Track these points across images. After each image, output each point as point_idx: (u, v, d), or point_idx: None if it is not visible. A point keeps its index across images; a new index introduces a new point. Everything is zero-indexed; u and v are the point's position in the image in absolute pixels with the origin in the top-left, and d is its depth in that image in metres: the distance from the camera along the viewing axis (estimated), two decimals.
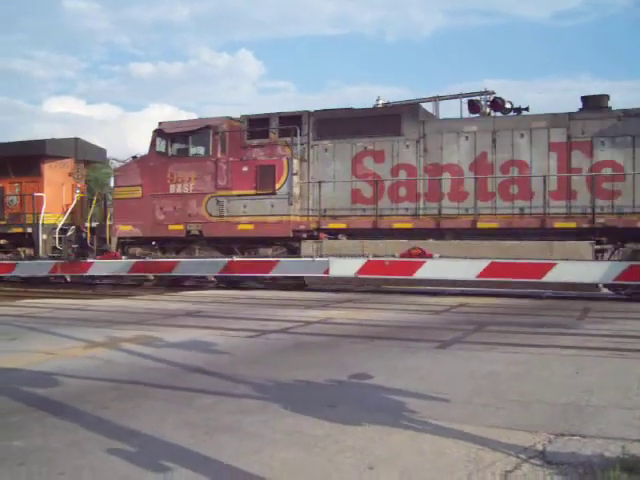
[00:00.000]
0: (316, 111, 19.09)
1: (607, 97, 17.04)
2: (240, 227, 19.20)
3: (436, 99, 20.69)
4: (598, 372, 6.97)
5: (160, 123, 20.34)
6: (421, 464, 4.11)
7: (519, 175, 17.08)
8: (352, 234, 18.42)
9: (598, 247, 16.09)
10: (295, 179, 18.78)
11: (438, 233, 17.64)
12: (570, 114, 16.95)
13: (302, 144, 18.91)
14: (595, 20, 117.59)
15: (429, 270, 16.70)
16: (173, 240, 20.45)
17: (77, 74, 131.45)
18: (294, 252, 18.84)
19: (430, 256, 16.93)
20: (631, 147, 16.16)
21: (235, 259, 18.57)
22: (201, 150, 19.99)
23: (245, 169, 19.10)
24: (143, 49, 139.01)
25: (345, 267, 17.49)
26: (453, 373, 6.98)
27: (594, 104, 16.84)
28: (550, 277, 15.65)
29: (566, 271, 15.56)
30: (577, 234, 16.40)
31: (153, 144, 20.42)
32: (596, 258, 15.92)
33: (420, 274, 16.79)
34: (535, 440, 4.53)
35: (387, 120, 18.36)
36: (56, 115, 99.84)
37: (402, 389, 6.02)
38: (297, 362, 7.60)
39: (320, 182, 18.57)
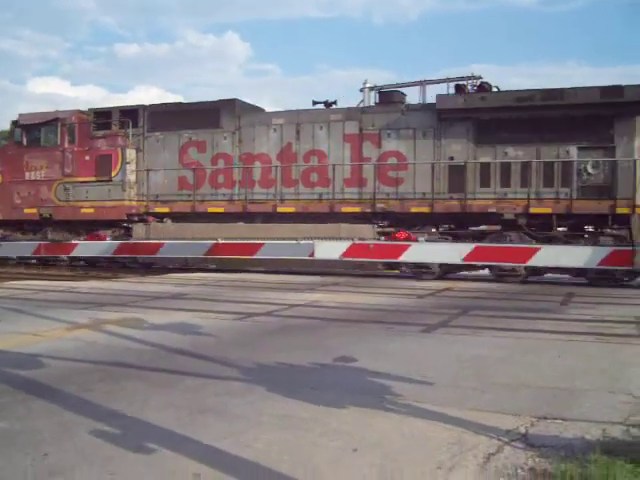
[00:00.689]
0: (150, 105, 20.99)
1: (400, 93, 19.07)
2: (83, 211, 21.00)
3: (422, 83, 20.63)
4: (581, 356, 7.03)
5: (20, 115, 21.86)
6: (405, 447, 4.13)
7: (318, 164, 18.72)
8: (176, 217, 20.38)
9: (380, 230, 17.79)
10: (129, 167, 20.55)
11: (248, 216, 19.39)
12: (362, 109, 18.91)
13: (138, 135, 20.70)
14: (583, 6, 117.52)
15: (414, 253, 16.76)
16: (29, 223, 22.12)
17: (61, 54, 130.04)
18: (130, 234, 20.64)
19: (415, 239, 16.98)
20: (412, 138, 17.82)
21: (220, 241, 18.54)
22: (51, 140, 21.49)
23: (87, 158, 20.88)
24: (129, 30, 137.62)
25: (330, 250, 17.52)
26: (438, 357, 7.01)
27: (387, 99, 18.72)
28: (535, 261, 15.74)
29: (551, 255, 15.65)
30: (363, 218, 18.07)
31: (12, 134, 22.50)
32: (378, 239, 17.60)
33: (405, 257, 16.85)
34: (518, 423, 4.57)
35: (208, 114, 19.97)
36: (41, 96, 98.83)
37: (387, 372, 6.04)
38: (282, 345, 7.62)
39: (149, 170, 20.52)
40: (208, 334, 8.25)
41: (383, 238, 17.61)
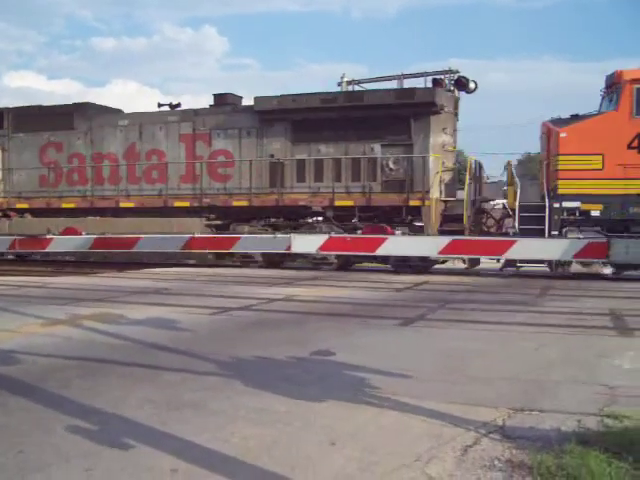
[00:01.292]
0: (15, 108, 22.54)
1: (233, 95, 20.51)
2: None
3: (401, 77, 20.69)
4: (558, 348, 7.09)
5: None
6: (383, 440, 4.15)
7: (158, 162, 20.40)
8: (35, 213, 21.75)
9: (207, 222, 19.48)
10: None
11: (97, 212, 20.98)
12: (195, 110, 20.43)
13: (3, 136, 22.22)
14: (556, 3, 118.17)
15: (391, 246, 16.80)
16: None
17: (37, 48, 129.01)
18: None
19: (392, 233, 17.03)
20: (238, 138, 19.54)
21: (196, 235, 18.49)
22: None
23: None
24: (105, 23, 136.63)
25: (307, 243, 17.52)
26: (415, 350, 7.04)
27: (220, 101, 20.26)
28: (511, 254, 15.84)
29: (527, 248, 15.75)
30: (194, 212, 19.75)
31: None
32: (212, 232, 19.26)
33: (382, 250, 16.88)
34: (495, 415, 4.60)
35: (64, 116, 21.43)
36: (16, 90, 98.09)
37: (365, 366, 6.06)
38: (260, 339, 7.61)
39: (12, 169, 22.13)
40: (186, 329, 8.22)
41: (213, 230, 19.38)
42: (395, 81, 20.60)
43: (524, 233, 16.12)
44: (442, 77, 19.20)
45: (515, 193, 16.71)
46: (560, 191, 16.18)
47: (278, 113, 18.76)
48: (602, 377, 5.76)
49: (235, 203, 19.29)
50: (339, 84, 20.96)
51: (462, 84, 18.77)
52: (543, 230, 15.99)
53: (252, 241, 18.19)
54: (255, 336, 7.86)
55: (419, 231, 17.52)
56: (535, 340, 7.54)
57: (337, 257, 18.07)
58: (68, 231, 20.60)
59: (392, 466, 3.71)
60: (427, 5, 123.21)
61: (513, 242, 15.81)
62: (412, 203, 17.57)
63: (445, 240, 16.36)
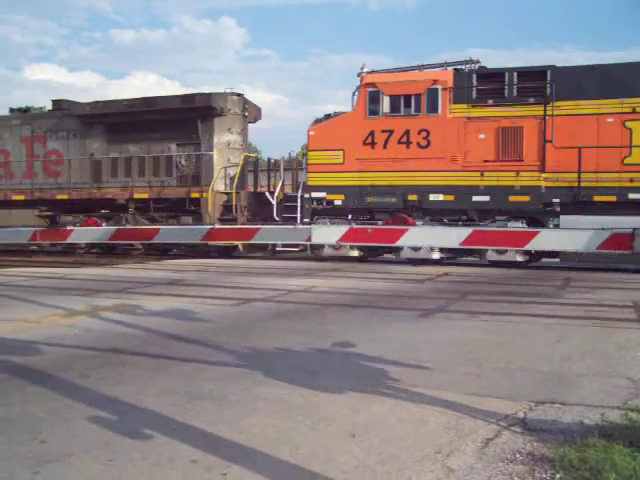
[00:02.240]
0: None
1: (68, 101, 23.02)
2: None
3: (421, 67, 20.54)
4: (579, 340, 7.02)
5: None
6: (403, 431, 4.12)
7: (5, 161, 23.39)
8: None
9: (39, 214, 22.56)
10: None
11: None
12: (34, 115, 24.11)
13: None
14: None
15: (412, 237, 16.75)
16: None
17: (57, 41, 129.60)
18: None
19: (413, 224, 16.97)
20: (67, 139, 22.48)
21: (216, 226, 18.54)
22: None
23: None
24: (124, 15, 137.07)
25: (327, 234, 17.52)
26: (435, 341, 7.00)
27: (57, 106, 23.04)
28: (532, 245, 15.73)
29: (550, 239, 15.65)
30: (30, 204, 22.70)
31: None
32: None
33: (403, 241, 16.83)
34: (516, 408, 4.56)
35: None
36: (37, 82, 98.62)
37: (384, 357, 6.04)
38: (279, 330, 7.60)
39: None
40: (205, 320, 8.23)
41: (46, 221, 22.28)
42: (416, 71, 20.44)
43: (284, 220, 18.88)
44: (463, 67, 19.05)
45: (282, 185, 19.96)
46: (309, 183, 18.54)
47: (96, 117, 21.70)
48: (625, 370, 5.70)
49: (59, 196, 22.25)
50: (359, 75, 20.81)
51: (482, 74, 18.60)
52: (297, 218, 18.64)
53: (273, 232, 18.21)
54: (274, 327, 7.86)
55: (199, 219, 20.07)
56: (556, 332, 7.48)
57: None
58: (88, 222, 20.79)
59: (412, 458, 3.68)
60: None
61: (536, 233, 15.71)
62: (193, 195, 20.20)
63: (467, 231, 16.29)
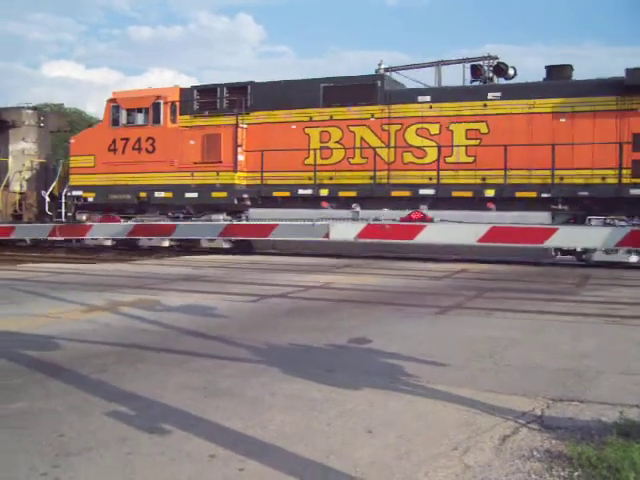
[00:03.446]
0: None
1: None
2: None
3: (439, 64, 20.49)
4: (596, 338, 6.99)
5: None
6: (420, 428, 4.12)
7: None
8: None
9: None
10: None
11: None
12: None
13: None
14: None
15: (430, 234, 16.64)
16: None
17: (75, 37, 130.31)
18: None
19: (430, 220, 16.91)
20: None
21: (234, 222, 18.58)
22: None
23: None
24: (141, 12, 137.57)
25: (345, 231, 17.46)
26: (452, 338, 6.99)
27: None
28: (551, 242, 15.63)
29: (568, 236, 15.55)
30: None
31: None
32: None
33: (421, 238, 16.73)
34: (533, 405, 4.55)
35: None
36: (55, 79, 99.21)
37: (401, 354, 6.04)
38: (296, 326, 7.62)
39: None
40: (223, 316, 8.27)
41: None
42: (433, 67, 20.40)
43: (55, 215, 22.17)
44: (480, 63, 18.99)
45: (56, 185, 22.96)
46: (70, 183, 22.31)
47: None
48: None
49: None
50: (376, 71, 20.79)
51: (501, 70, 18.55)
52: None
53: (290, 228, 18.21)
54: (292, 323, 7.87)
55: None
56: (574, 329, 7.44)
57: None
58: (106, 218, 20.90)
59: (429, 454, 3.69)
60: None
61: (555, 230, 15.61)
62: None
63: (485, 228, 16.21)
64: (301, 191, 19.12)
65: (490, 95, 17.94)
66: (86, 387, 4.98)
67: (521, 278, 13.41)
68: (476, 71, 18.63)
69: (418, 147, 18.40)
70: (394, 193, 18.42)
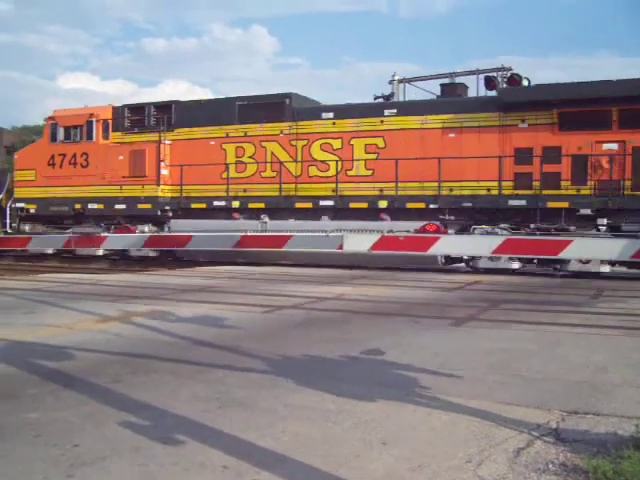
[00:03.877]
0: None
1: None
2: None
3: (452, 75, 20.53)
4: (612, 350, 6.94)
5: None
6: (433, 440, 4.10)
7: None
8: None
9: None
10: None
11: None
12: None
13: None
14: None
15: (444, 245, 16.73)
16: None
17: (90, 50, 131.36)
18: None
19: (445, 232, 16.91)
20: None
21: (248, 234, 18.63)
22: None
23: None
24: (155, 25, 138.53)
25: (359, 242, 17.55)
26: (466, 350, 6.96)
27: None
28: (567, 254, 15.59)
29: (583, 248, 15.51)
30: None
31: None
32: None
33: (434, 250, 16.79)
34: (548, 418, 4.51)
35: None
36: (71, 91, 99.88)
37: (415, 365, 6.01)
38: (310, 338, 7.61)
39: None
40: (235, 327, 8.27)
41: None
42: (447, 79, 20.41)
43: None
44: (494, 75, 18.99)
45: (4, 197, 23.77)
46: (15, 195, 23.53)
47: None
48: None
49: None
50: (390, 82, 20.86)
51: (515, 82, 18.54)
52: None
53: (304, 240, 18.23)
54: (305, 334, 7.86)
55: None
56: (589, 341, 7.40)
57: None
58: (121, 230, 21.01)
59: (443, 467, 3.66)
60: (476, 3, 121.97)
61: (569, 242, 15.58)
62: None
63: (499, 239, 16.21)
64: (216, 203, 20.63)
65: (387, 112, 19.16)
66: (100, 397, 4.98)
67: (535, 290, 13.34)
68: (490, 82, 18.62)
69: (322, 161, 19.60)
70: (298, 205, 19.71)
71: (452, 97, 19.32)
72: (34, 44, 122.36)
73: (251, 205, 20.25)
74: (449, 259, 17.90)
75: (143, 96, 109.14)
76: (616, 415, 4.57)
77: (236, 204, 20.45)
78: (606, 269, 16.07)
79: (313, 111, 20.13)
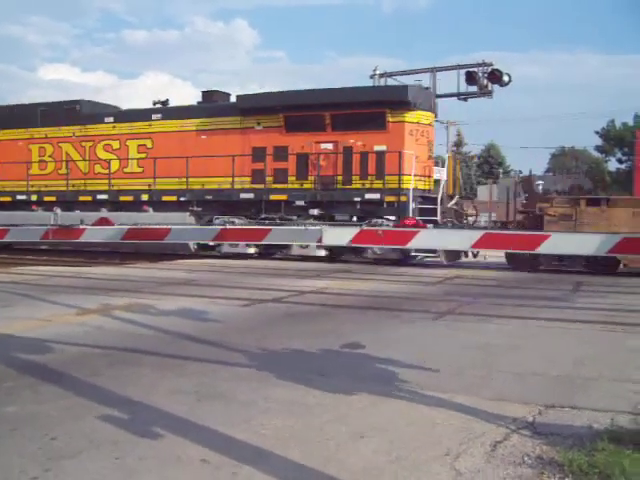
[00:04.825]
0: None
1: None
2: None
3: (433, 70, 20.58)
4: (590, 344, 7.01)
5: None
6: (412, 433, 4.13)
7: None
8: None
9: None
10: None
11: None
12: None
13: None
14: None
15: (423, 239, 16.65)
16: None
17: (70, 41, 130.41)
18: None
19: (424, 226, 16.96)
20: None
21: (228, 227, 18.58)
22: None
23: None
24: (137, 16, 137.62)
25: (338, 236, 17.48)
26: (446, 344, 7.00)
27: None
28: (544, 248, 15.66)
29: (561, 242, 15.57)
30: None
31: None
32: None
33: (414, 243, 16.74)
34: (525, 411, 4.55)
35: None
36: (51, 82, 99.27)
37: (395, 359, 6.03)
38: (290, 331, 7.61)
39: None
40: (216, 320, 8.26)
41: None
42: (428, 74, 20.45)
43: None
44: (475, 70, 19.06)
45: None
46: None
47: None
48: (635, 375, 5.68)
49: None
50: (371, 77, 20.88)
51: (496, 77, 18.65)
52: None
53: (284, 233, 18.21)
54: (285, 328, 7.87)
55: None
56: (568, 336, 7.47)
57: None
58: (101, 221, 20.85)
59: (421, 460, 3.69)
60: None
61: (547, 236, 15.61)
62: None
63: (478, 234, 16.25)
64: (19, 197, 23.53)
65: (154, 116, 22.05)
66: (78, 390, 4.96)
67: (515, 284, 13.43)
68: (471, 77, 18.70)
69: (105, 160, 22.50)
70: (82, 198, 22.55)
71: (208, 103, 22.04)
72: (14, 34, 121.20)
73: (46, 198, 23.05)
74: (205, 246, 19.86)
75: (123, 88, 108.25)
76: (592, 409, 4.62)
77: (35, 198, 23.36)
78: (321, 253, 18.42)
79: (98, 116, 23.02)
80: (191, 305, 9.40)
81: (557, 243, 15.64)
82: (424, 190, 19.09)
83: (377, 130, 18.73)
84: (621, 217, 16.43)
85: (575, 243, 15.48)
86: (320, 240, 17.36)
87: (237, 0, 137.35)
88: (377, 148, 18.76)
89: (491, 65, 19.03)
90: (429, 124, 19.56)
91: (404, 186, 18.24)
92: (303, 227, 17.89)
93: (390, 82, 21.15)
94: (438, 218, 18.19)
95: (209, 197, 20.58)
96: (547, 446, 3.89)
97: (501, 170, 56.55)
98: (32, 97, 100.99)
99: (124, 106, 24.23)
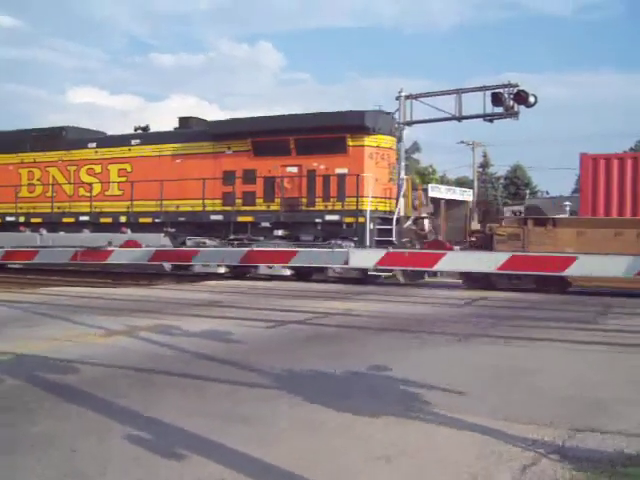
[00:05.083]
0: None
1: None
2: None
3: (458, 92, 20.52)
4: (619, 367, 6.89)
5: None
6: (438, 457, 4.06)
7: None
8: None
9: None
10: None
11: None
12: None
13: None
14: (619, 13, 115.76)
15: (449, 262, 16.66)
16: None
17: (98, 64, 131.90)
18: None
19: (451, 248, 16.89)
20: None
21: (255, 249, 18.65)
22: None
23: None
24: (162, 40, 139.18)
25: (365, 258, 17.53)
26: (472, 366, 6.92)
27: None
28: (571, 270, 15.52)
29: (588, 264, 15.42)
30: None
31: None
32: None
33: (440, 266, 16.74)
34: (554, 435, 4.47)
35: None
36: (80, 105, 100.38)
37: (420, 382, 5.97)
38: (315, 353, 7.57)
39: None
40: (241, 341, 8.24)
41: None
42: (454, 95, 20.42)
43: None
44: (501, 91, 19.00)
45: None
46: None
47: None
48: None
49: None
50: (397, 98, 20.86)
51: (522, 98, 18.55)
52: None
53: (310, 255, 18.25)
54: (310, 349, 7.83)
55: None
56: (596, 358, 7.34)
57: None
58: (128, 243, 20.99)
59: None
60: (480, 20, 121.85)
61: (574, 258, 15.51)
62: None
63: (505, 256, 16.15)
64: (8, 218, 24.68)
65: (133, 142, 23.00)
66: (103, 411, 4.96)
67: (542, 306, 13.26)
68: (497, 99, 18.64)
69: (88, 183, 23.41)
70: (65, 219, 23.54)
71: (184, 129, 22.80)
72: (43, 58, 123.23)
73: (33, 220, 24.21)
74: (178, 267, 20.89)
75: (150, 111, 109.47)
76: (622, 433, 4.52)
77: (22, 219, 24.45)
78: (287, 272, 18.93)
79: (81, 141, 24.03)
80: (215, 326, 9.39)
81: (586, 264, 15.58)
82: (385, 212, 19.51)
83: (338, 154, 19.37)
84: (566, 237, 16.65)
85: (604, 264, 15.41)
86: (347, 262, 17.51)
87: (262, 23, 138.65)
88: (338, 171, 19.37)
89: (517, 86, 18.94)
90: (390, 147, 20.14)
91: (362, 207, 18.81)
92: (330, 250, 17.99)
93: (415, 104, 21.12)
94: (393, 238, 18.58)
95: (182, 219, 21.45)
96: (577, 471, 3.81)
97: (527, 191, 56.10)
98: (56, 121, 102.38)
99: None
